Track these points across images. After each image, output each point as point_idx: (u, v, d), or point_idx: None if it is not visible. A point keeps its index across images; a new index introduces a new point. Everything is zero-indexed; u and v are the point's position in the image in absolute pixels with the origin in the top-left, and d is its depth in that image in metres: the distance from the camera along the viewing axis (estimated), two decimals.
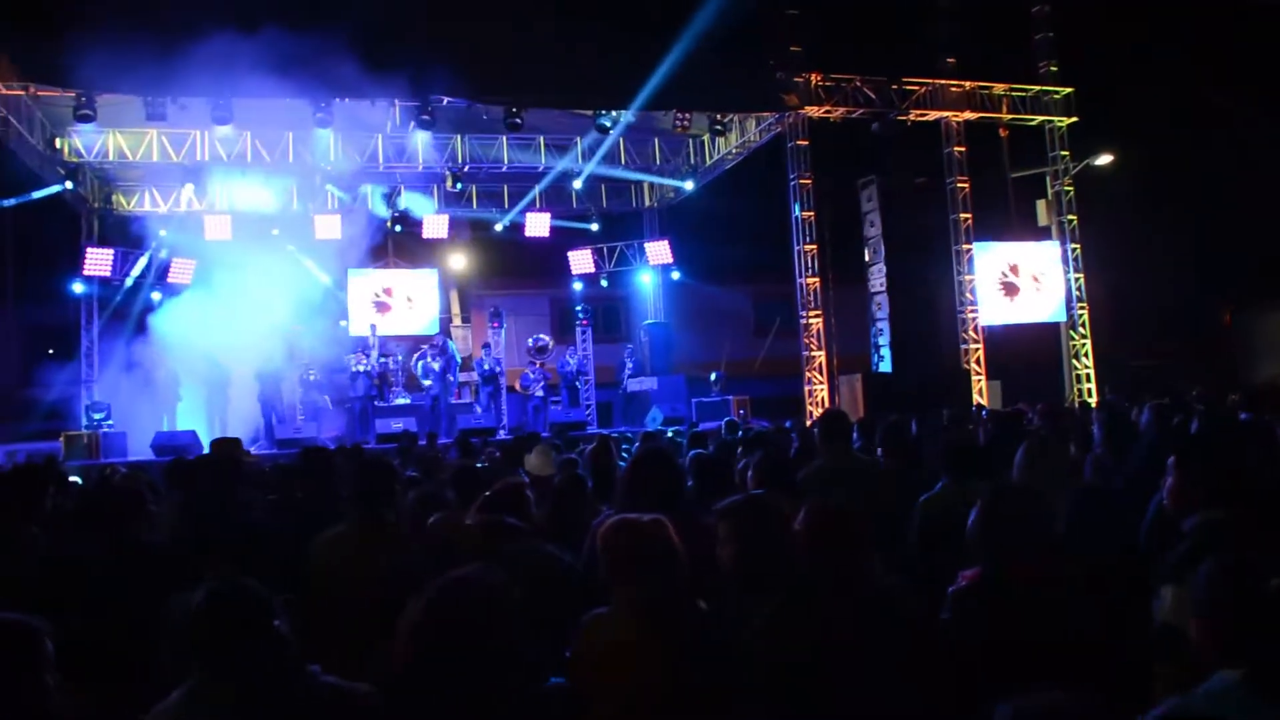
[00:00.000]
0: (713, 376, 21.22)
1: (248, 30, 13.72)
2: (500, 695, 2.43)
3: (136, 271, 20.62)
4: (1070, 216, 21.19)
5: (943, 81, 19.80)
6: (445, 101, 17.12)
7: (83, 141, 19.05)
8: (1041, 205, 21.98)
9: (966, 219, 20.16)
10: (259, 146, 19.38)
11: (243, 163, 19.53)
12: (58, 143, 18.87)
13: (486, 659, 2.43)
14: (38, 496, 5.36)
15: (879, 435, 6.76)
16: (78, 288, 20.44)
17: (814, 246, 18.89)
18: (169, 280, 20.56)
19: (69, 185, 18.27)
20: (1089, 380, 20.78)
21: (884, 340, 19.71)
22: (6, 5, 14.52)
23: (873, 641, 3.04)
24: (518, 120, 17.37)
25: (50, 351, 21.46)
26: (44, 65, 15.04)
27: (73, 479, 8.85)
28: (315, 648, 3.34)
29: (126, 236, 21.30)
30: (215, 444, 6.96)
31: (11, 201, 17.92)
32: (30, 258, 19.31)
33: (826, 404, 18.16)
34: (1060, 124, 21.01)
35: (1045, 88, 20.76)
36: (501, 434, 17.85)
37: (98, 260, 19.86)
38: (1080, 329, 21.04)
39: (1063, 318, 21.11)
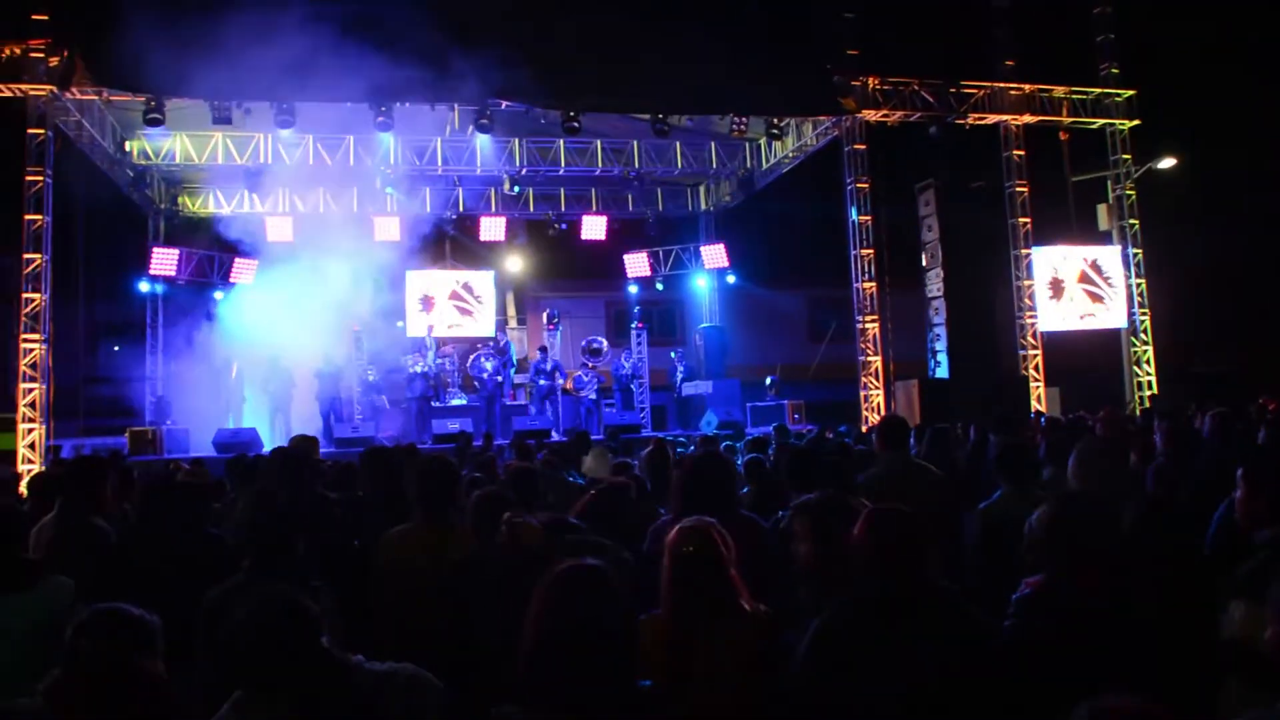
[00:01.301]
0: (768, 381, 21.15)
1: (311, 36, 13.94)
2: (612, 690, 2.46)
3: (200, 272, 21.05)
4: (1132, 221, 20.88)
5: (1002, 84, 19.60)
6: (504, 106, 17.25)
7: (150, 144, 19.50)
8: (1102, 209, 21.68)
9: (1025, 223, 19.94)
10: (320, 149, 19.70)
11: (304, 165, 19.84)
12: (127, 145, 19.32)
13: (606, 651, 2.46)
14: (102, 489, 5.49)
15: (924, 442, 6.74)
16: (143, 286, 20.93)
17: (870, 251, 18.77)
18: (231, 280, 20.98)
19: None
20: (1151, 388, 20.44)
21: (941, 346, 19.52)
22: (81, 13, 14.88)
23: (934, 647, 3.04)
24: (575, 124, 17.45)
25: (116, 348, 21.92)
26: (116, 71, 15.40)
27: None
28: (381, 644, 3.42)
29: (191, 237, 21.76)
30: (295, 440, 7.06)
31: None
32: (99, 257, 19.74)
33: (882, 410, 18.03)
34: (1122, 127, 20.71)
35: (1107, 90, 20.46)
36: (555, 436, 17.91)
37: (163, 260, 20.35)
38: (1142, 335, 20.71)
39: (1124, 324, 20.79)
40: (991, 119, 19.59)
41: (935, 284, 19.76)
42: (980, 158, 20.29)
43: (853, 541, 3.29)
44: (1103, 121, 20.53)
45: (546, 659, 2.47)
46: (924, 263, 20.07)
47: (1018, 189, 19.86)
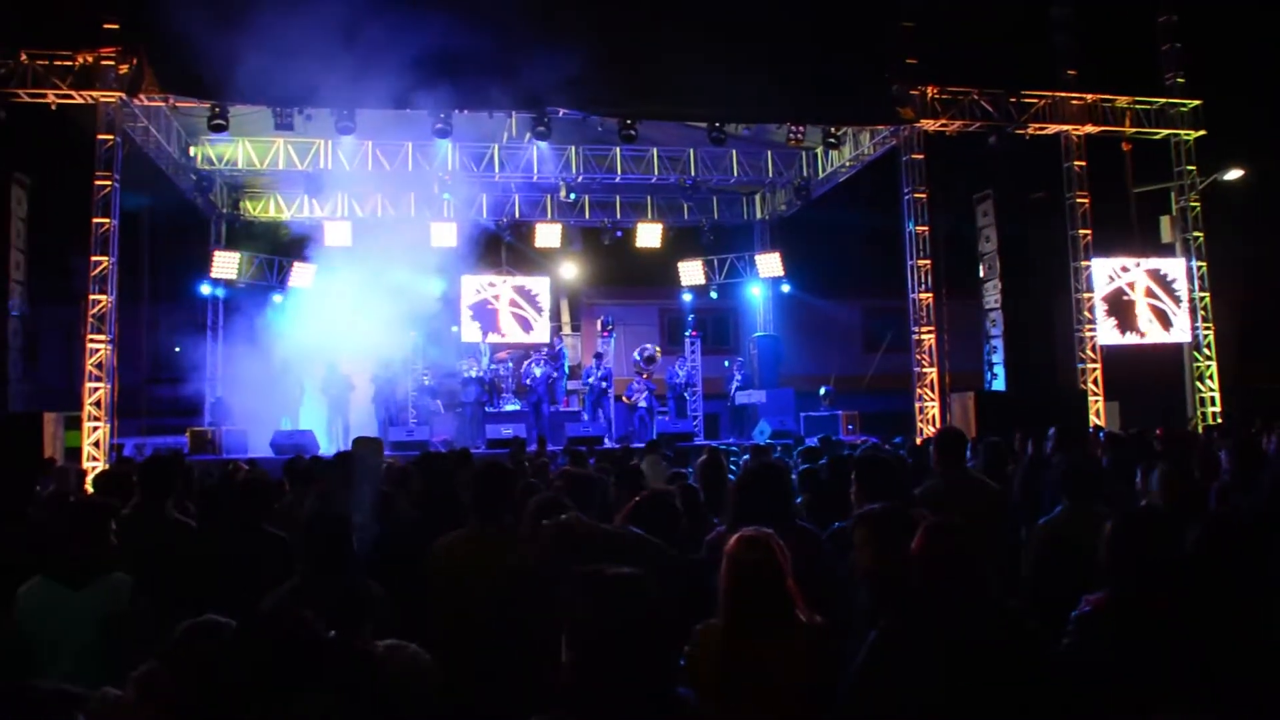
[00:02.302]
0: (822, 391, 21.05)
1: (372, 43, 14.12)
2: (647, 698, 2.47)
3: (260, 275, 21.41)
4: (1196, 233, 20.50)
5: (1063, 94, 19.34)
6: (561, 114, 17.34)
7: (214, 150, 19.87)
8: (1165, 221, 21.31)
9: (1086, 235, 19.65)
10: (379, 155, 19.94)
11: (363, 171, 20.10)
12: (192, 151, 19.70)
13: (645, 658, 2.47)
14: (165, 488, 5.61)
15: (980, 456, 6.67)
16: (205, 289, 21.31)
17: (927, 261, 18.61)
18: (290, 284, 21.31)
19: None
20: (1214, 404, 20.04)
21: (998, 358, 19.30)
22: (150, 22, 15.20)
23: (989, 662, 3.01)
24: (632, 132, 17.50)
25: (177, 349, 22.33)
26: (183, 78, 15.72)
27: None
28: (432, 647, 3.44)
29: (252, 241, 22.15)
30: (358, 443, 7.14)
31: None
32: (162, 260, 20.17)
33: (938, 422, 17.85)
34: (1187, 137, 20.34)
35: (1171, 100, 20.11)
36: (608, 443, 17.96)
37: (224, 263, 20.72)
38: (1205, 350, 20.32)
39: (1187, 338, 20.41)
40: (1052, 129, 19.34)
41: (993, 295, 19.54)
42: (1040, 168, 20.03)
43: (910, 554, 3.27)
44: (1167, 132, 20.18)
45: (582, 666, 2.48)
46: (981, 274, 19.86)
47: (1078, 200, 19.59)
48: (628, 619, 2.47)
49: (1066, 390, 19.06)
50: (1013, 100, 18.99)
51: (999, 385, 19.24)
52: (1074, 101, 19.39)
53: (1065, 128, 19.37)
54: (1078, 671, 3.11)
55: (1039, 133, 19.29)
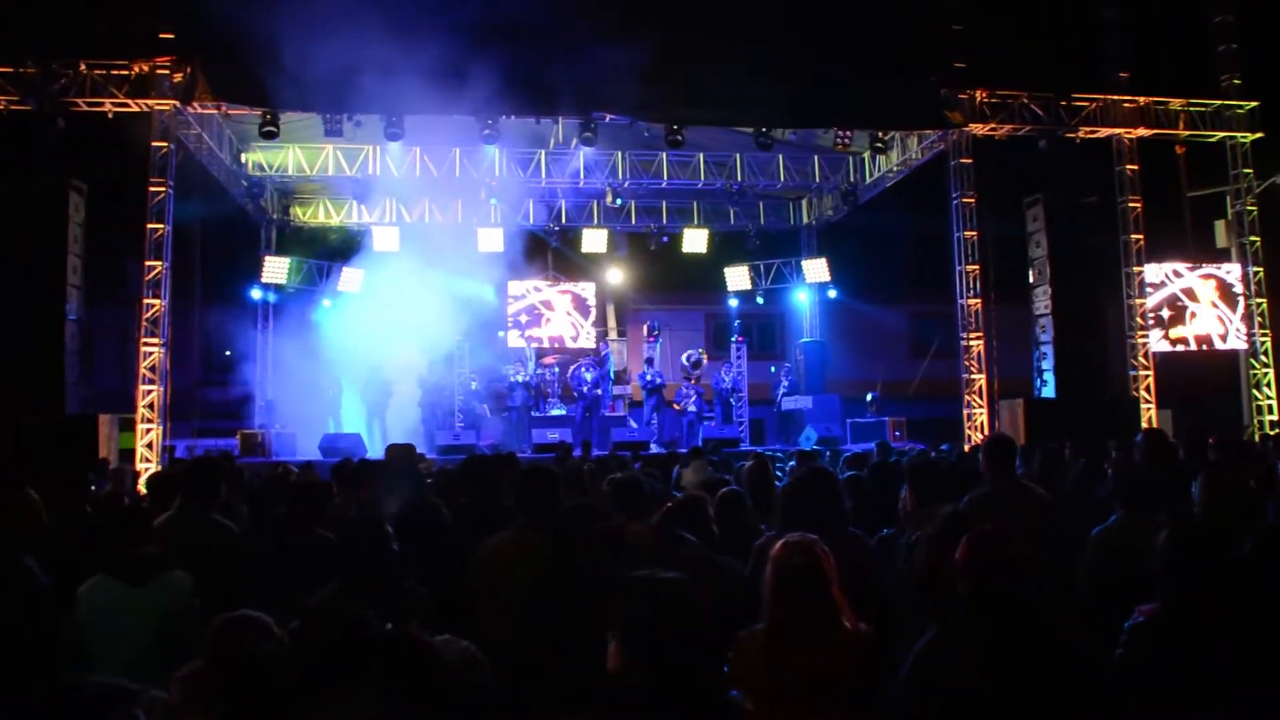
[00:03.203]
0: (868, 397, 20.92)
1: (420, 50, 14.24)
2: (695, 702, 2.47)
3: (309, 280, 21.67)
4: (1253, 238, 20.11)
5: (1115, 97, 19.07)
6: (608, 119, 17.38)
7: (265, 156, 20.16)
8: (1221, 226, 20.94)
9: (1138, 240, 19.36)
10: (427, 161, 20.12)
11: (411, 177, 20.29)
12: (243, 157, 19.99)
13: (694, 661, 2.47)
14: (216, 489, 5.69)
15: (1034, 463, 6.58)
16: (255, 294, 21.58)
17: (976, 266, 18.44)
18: (339, 289, 21.55)
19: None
20: (1271, 412, 19.66)
21: (1048, 365, 19.03)
22: (204, 31, 15.46)
23: (1036, 672, 2.98)
24: (679, 138, 17.50)
25: (228, 353, 22.64)
26: (235, 86, 15.96)
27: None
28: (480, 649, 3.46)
29: (301, 246, 22.43)
30: (391, 448, 7.20)
31: None
32: (214, 265, 20.47)
33: (986, 429, 17.68)
34: (1243, 140, 19.96)
35: (1227, 102, 19.75)
36: (655, 448, 17.98)
37: (274, 268, 20.98)
38: (1262, 357, 19.93)
39: (1243, 345, 20.04)
40: (1104, 132, 19.08)
41: (1043, 301, 19.28)
42: (1091, 172, 19.76)
43: (956, 562, 3.24)
44: (1222, 134, 19.83)
45: (632, 669, 2.49)
46: (1031, 279, 19.61)
47: (1130, 204, 19.31)
48: (678, 623, 2.47)
49: (1118, 398, 18.77)
50: (1063, 103, 18.77)
51: (1048, 392, 18.99)
52: (1126, 104, 19.12)
53: (1117, 131, 19.10)
54: (1130, 682, 3.06)
55: (1090, 136, 19.06)
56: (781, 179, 22.05)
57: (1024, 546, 3.22)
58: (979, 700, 2.95)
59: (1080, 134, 18.89)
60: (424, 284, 19.99)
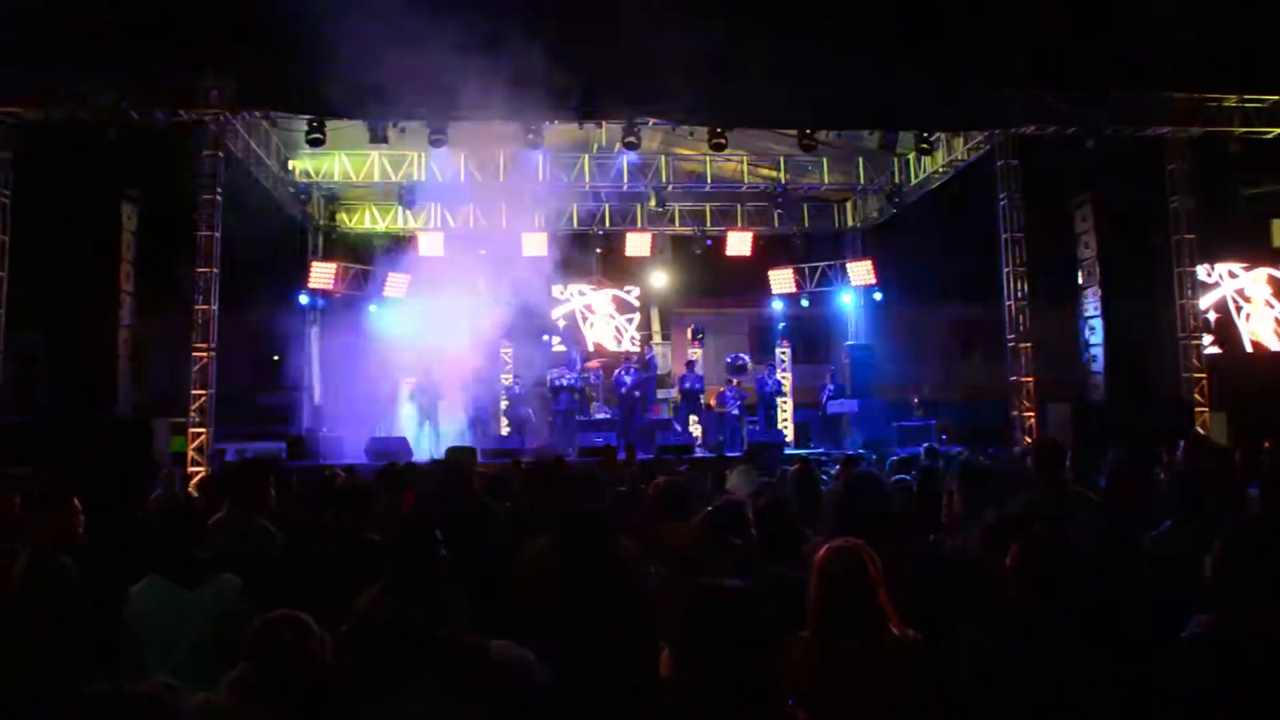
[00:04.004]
0: (915, 400, 20.76)
1: (463, 57, 14.33)
2: (751, 711, 2.46)
3: (355, 285, 21.89)
4: None
5: (1166, 94, 18.75)
6: (651, 123, 17.39)
7: (312, 164, 20.40)
8: (1277, 225, 20.57)
9: (1190, 240, 19.02)
10: (471, 167, 20.25)
11: (455, 183, 20.42)
12: (290, 164, 20.24)
13: (742, 670, 2.47)
14: (264, 492, 5.76)
15: (1105, 474, 6.48)
16: (302, 299, 21.83)
17: (1023, 268, 18.23)
18: (385, 294, 21.74)
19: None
20: None
21: (1097, 368, 18.80)
22: (251, 41, 15.66)
23: (1089, 681, 2.94)
24: (722, 140, 17.47)
25: (275, 358, 22.89)
26: (282, 94, 16.17)
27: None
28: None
29: (348, 252, 22.67)
30: (452, 451, 7.25)
31: None
32: (262, 270, 20.72)
33: (1034, 433, 17.46)
34: None
35: None
36: (699, 452, 17.96)
37: (321, 274, 21.22)
38: None
39: None
40: (1154, 131, 18.77)
41: (1092, 303, 19.06)
42: (1141, 171, 19.44)
43: (1010, 567, 3.21)
44: (1279, 131, 19.44)
45: (682, 677, 2.48)
46: (1080, 281, 19.38)
47: (1182, 204, 18.98)
48: (735, 631, 2.47)
49: (1170, 401, 18.46)
50: (1112, 102, 18.48)
51: (1098, 396, 18.75)
52: (1178, 101, 18.79)
53: (1168, 129, 18.78)
54: (1185, 696, 3.01)
55: (1140, 135, 18.75)
56: (826, 181, 21.94)
57: (1076, 553, 3.18)
58: (1037, 708, 2.92)
59: (1130, 132, 18.58)
60: (469, 288, 20.12)
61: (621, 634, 3.74)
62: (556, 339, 22.67)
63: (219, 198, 16.38)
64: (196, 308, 16.22)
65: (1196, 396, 18.48)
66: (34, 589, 4.50)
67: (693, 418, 20.30)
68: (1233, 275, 19.50)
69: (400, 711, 2.69)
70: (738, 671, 2.42)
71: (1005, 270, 18.30)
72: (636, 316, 24.20)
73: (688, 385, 20.33)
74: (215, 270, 16.33)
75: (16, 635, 4.33)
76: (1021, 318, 18.16)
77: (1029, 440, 16.91)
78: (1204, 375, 18.69)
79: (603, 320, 23.59)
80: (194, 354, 16.17)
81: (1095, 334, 18.86)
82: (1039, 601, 3.11)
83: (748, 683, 2.44)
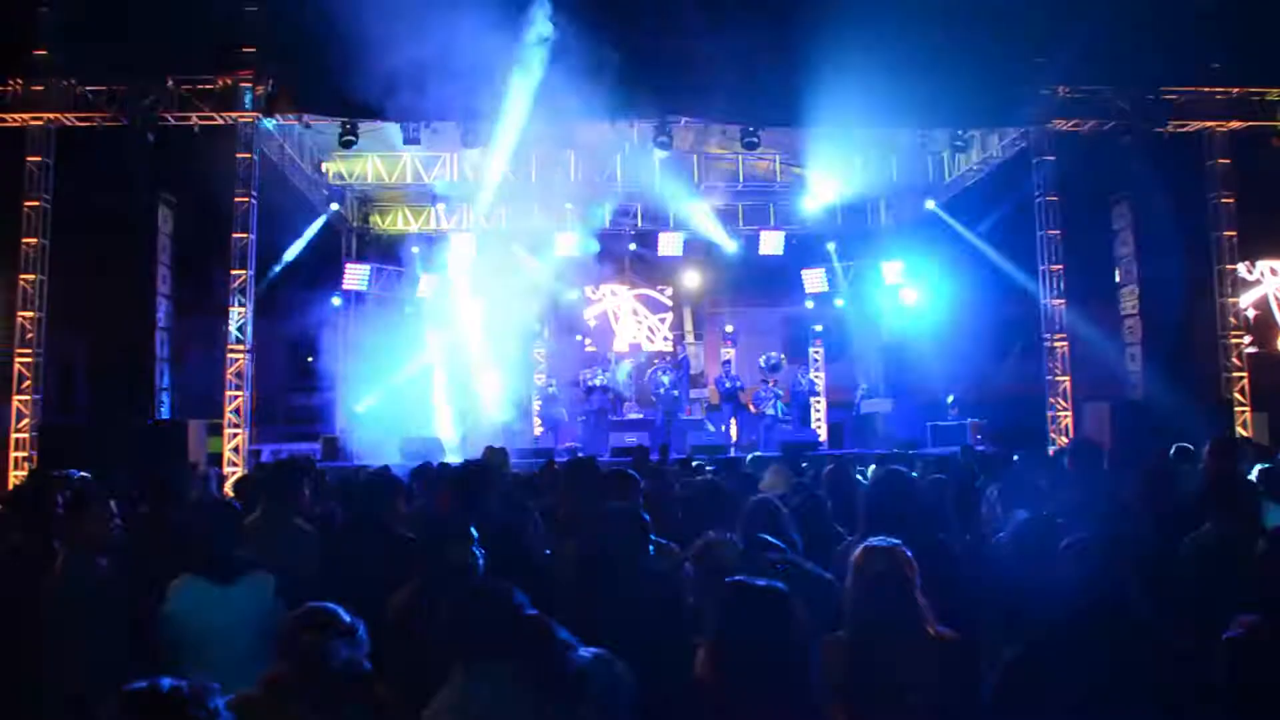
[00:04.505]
0: (949, 399, 20.60)
1: (495, 59, 14.39)
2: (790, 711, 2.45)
3: (389, 286, 22.01)
4: None
5: (1206, 88, 18.46)
6: (683, 122, 17.35)
7: (345, 166, 20.53)
8: None
9: (1231, 237, 18.74)
10: (504, 167, 20.27)
11: (488, 183, 20.45)
12: (324, 167, 20.38)
13: (783, 669, 2.45)
14: (298, 492, 5.80)
15: (1143, 474, 6.40)
16: (336, 301, 21.97)
17: (1060, 266, 18.06)
18: (418, 295, 21.84)
19: (333, 206, 19.88)
20: None
21: (1135, 366, 18.57)
22: (284, 44, 15.78)
23: (1130, 685, 2.90)
24: (755, 139, 17.41)
25: (310, 359, 23.04)
26: (315, 97, 16.28)
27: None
28: None
29: (381, 253, 22.79)
30: (486, 452, 7.28)
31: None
32: (296, 272, 20.87)
33: (1071, 432, 17.28)
34: None
35: None
36: (733, 452, 17.91)
37: (355, 275, 21.35)
38: None
39: None
40: (1194, 126, 18.47)
41: (1130, 301, 18.82)
42: (1180, 167, 19.17)
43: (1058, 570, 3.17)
44: None
45: (722, 679, 2.46)
46: (1117, 278, 19.14)
47: (1222, 200, 18.70)
48: (773, 631, 2.45)
49: (1210, 401, 18.21)
50: (1150, 97, 18.22)
51: (1136, 395, 18.52)
52: (1218, 96, 18.51)
53: (1208, 124, 18.50)
54: (1229, 696, 2.96)
55: (1179, 130, 18.48)
56: (859, 179, 21.84)
57: (1122, 554, 3.14)
58: (1075, 709, 2.88)
59: (1169, 128, 18.32)
60: (502, 289, 20.18)
61: (657, 633, 3.73)
62: (589, 339, 22.68)
63: (253, 200, 16.52)
64: (231, 309, 16.37)
65: (1236, 396, 18.24)
66: (70, 590, 4.55)
67: (735, 418, 20.23)
68: (1274, 272, 19.21)
69: (472, 694, 2.69)
70: (776, 671, 2.41)
71: (1041, 268, 18.15)
72: (669, 316, 24.16)
73: (726, 385, 20.27)
74: (250, 272, 16.47)
75: (54, 635, 4.39)
76: (1058, 316, 17.99)
77: (1065, 440, 16.76)
78: (1244, 374, 18.43)
79: (635, 320, 23.57)
80: (229, 356, 16.32)
81: (1133, 332, 18.62)
82: (1079, 601, 3.07)
83: (785, 683, 2.42)
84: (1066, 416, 17.77)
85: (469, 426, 19.21)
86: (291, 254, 19.99)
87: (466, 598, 2.87)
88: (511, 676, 2.69)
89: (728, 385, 20.22)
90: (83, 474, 9.68)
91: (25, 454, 15.74)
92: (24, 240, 16.23)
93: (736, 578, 2.65)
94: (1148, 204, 18.54)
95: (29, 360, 16.10)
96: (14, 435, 15.86)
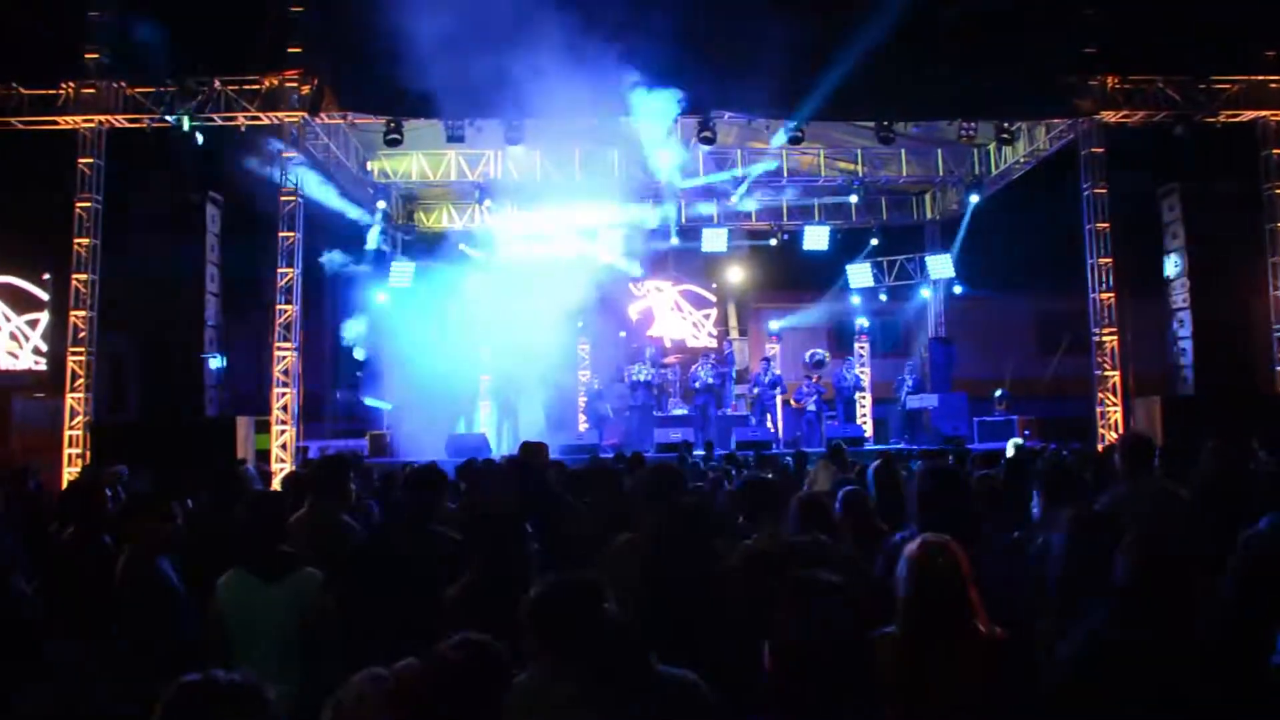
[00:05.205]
0: (996, 395, 20.39)
1: (538, 56, 14.40)
2: (852, 706, 2.43)
3: (434, 283, 22.12)
4: None
5: (1260, 77, 18.07)
6: (727, 117, 17.30)
7: (390, 164, 20.67)
8: None
9: None
10: (547, 163, 20.33)
11: (532, 180, 20.53)
12: (369, 165, 20.54)
13: (844, 665, 2.44)
14: (345, 488, 5.84)
15: (1198, 470, 6.29)
16: (381, 297, 22.11)
17: (1108, 260, 17.79)
18: (463, 292, 21.92)
19: (380, 205, 20.05)
20: None
21: (1186, 361, 18.26)
22: (330, 44, 15.93)
23: (1185, 677, 2.85)
24: (799, 134, 17.32)
25: (357, 356, 23.21)
26: (360, 96, 16.39)
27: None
28: None
29: (426, 250, 22.92)
30: (525, 446, 7.27)
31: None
32: (342, 270, 21.03)
33: (1120, 428, 17.04)
34: None
35: None
36: (777, 448, 17.84)
37: (401, 272, 21.47)
38: None
39: None
40: (1247, 115, 18.09)
41: (1180, 294, 18.51)
42: (1233, 157, 18.81)
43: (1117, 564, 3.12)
44: None
45: (784, 673, 2.45)
46: (1168, 271, 18.84)
47: (1276, 191, 18.35)
48: (838, 628, 2.44)
49: (1264, 395, 17.88)
50: (1201, 86, 17.88)
51: (1187, 390, 18.22)
52: (1272, 84, 18.13)
53: (1262, 113, 18.11)
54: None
55: (1232, 120, 18.15)
56: (904, 173, 21.66)
57: (1175, 549, 3.09)
58: (1130, 709, 2.83)
59: (1220, 118, 18.00)
60: (546, 285, 20.22)
61: (720, 629, 3.73)
62: (633, 336, 22.69)
63: (300, 199, 16.68)
64: (279, 307, 16.55)
65: None
66: (132, 589, 4.62)
67: (769, 414, 20.16)
68: None
69: (553, 686, 2.69)
70: (838, 667, 2.39)
71: (1090, 261, 17.91)
72: (713, 312, 24.10)
73: (764, 380, 20.20)
74: (297, 271, 16.64)
75: (121, 630, 4.46)
76: (1107, 310, 17.74)
77: (1116, 436, 16.52)
78: None
79: (679, 316, 23.53)
80: (277, 353, 16.50)
81: (1184, 326, 18.31)
82: (1135, 601, 3.02)
83: (846, 678, 2.41)
84: (1115, 412, 17.52)
85: (514, 424, 19.29)
86: (338, 256, 20.14)
87: (560, 590, 2.88)
88: (596, 676, 2.70)
89: (766, 380, 20.15)
90: (124, 468, 9.87)
91: (79, 450, 16.01)
92: (76, 240, 16.51)
93: (798, 574, 2.63)
94: (1199, 195, 18.22)
95: (81, 359, 16.38)
96: (67, 432, 16.14)
